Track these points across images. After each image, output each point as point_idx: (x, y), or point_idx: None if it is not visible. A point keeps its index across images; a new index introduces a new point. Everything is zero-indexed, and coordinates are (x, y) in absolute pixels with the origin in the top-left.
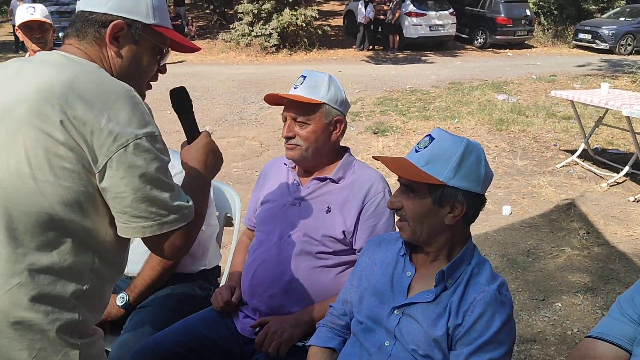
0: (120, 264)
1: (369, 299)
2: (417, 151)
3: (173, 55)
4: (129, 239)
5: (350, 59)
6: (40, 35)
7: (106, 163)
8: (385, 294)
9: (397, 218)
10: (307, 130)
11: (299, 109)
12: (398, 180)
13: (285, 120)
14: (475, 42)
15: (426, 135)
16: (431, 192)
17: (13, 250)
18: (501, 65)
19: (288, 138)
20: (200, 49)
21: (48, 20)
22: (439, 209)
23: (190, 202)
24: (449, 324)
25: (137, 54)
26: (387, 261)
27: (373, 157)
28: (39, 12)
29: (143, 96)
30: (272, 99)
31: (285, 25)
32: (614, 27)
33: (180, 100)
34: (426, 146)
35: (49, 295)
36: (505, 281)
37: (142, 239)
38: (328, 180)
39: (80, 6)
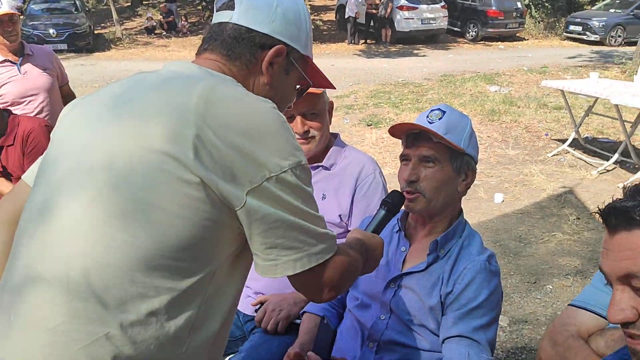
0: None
1: (365, 276)
2: (431, 123)
3: (164, 52)
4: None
5: (342, 53)
6: (11, 28)
7: (247, 195)
8: (381, 270)
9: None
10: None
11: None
12: (406, 155)
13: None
14: (467, 35)
15: (434, 109)
16: (452, 160)
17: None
18: (493, 57)
19: (305, 132)
20: (335, 88)
21: (17, 12)
22: (457, 176)
23: (333, 232)
24: (441, 292)
25: (286, 84)
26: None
27: (389, 130)
28: (6, 4)
29: None
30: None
31: None
32: (604, 18)
33: (397, 200)
34: (440, 118)
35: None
36: (494, 253)
37: (291, 279)
38: (321, 167)
39: (234, 18)
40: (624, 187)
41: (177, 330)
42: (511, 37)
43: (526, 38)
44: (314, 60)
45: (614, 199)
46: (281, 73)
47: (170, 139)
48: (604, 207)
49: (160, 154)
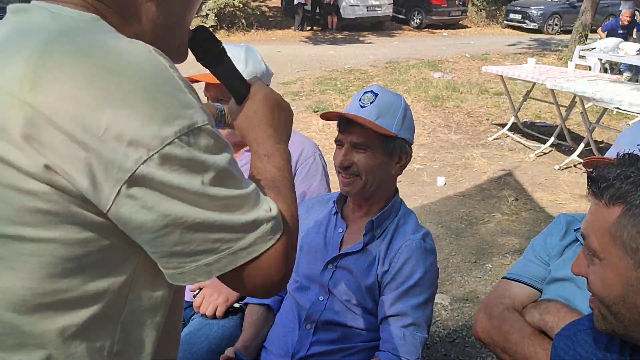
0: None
1: (304, 258)
2: (362, 107)
3: None
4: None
5: (289, 40)
6: None
7: (118, 193)
8: (319, 252)
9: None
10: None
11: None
12: (340, 140)
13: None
14: (412, 22)
15: (366, 92)
16: (384, 145)
17: None
18: (437, 44)
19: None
20: None
21: None
22: (390, 160)
23: (274, 206)
24: (378, 271)
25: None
26: (320, 221)
27: (321, 115)
28: None
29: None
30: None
31: (222, 6)
32: (542, 7)
33: (207, 45)
34: (372, 101)
35: None
36: (429, 231)
37: (220, 279)
38: None
39: None
40: (617, 155)
41: None
42: (454, 25)
43: (469, 26)
44: (262, 47)
45: (600, 167)
46: None
47: None
48: (592, 172)
49: None
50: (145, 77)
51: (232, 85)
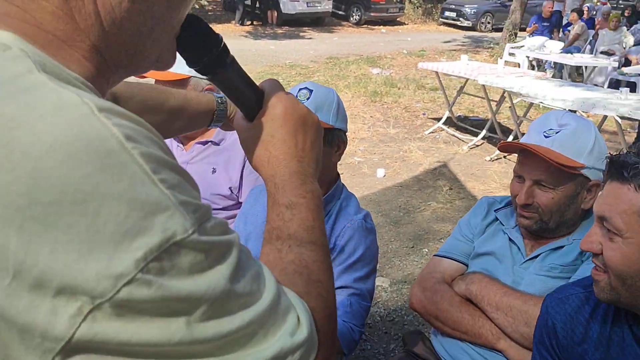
0: None
1: (254, 242)
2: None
3: None
4: None
5: (229, 34)
6: None
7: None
8: None
9: None
10: None
11: None
12: None
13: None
14: (351, 18)
15: (301, 89)
16: (325, 137)
17: None
18: (375, 41)
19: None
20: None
21: None
22: (330, 150)
23: (304, 317)
24: None
25: None
26: None
27: None
28: None
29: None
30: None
31: None
32: (475, 5)
33: (203, 42)
34: (308, 97)
35: None
36: (369, 212)
37: None
38: (210, 143)
39: None
40: (633, 144)
41: None
42: (392, 22)
43: (406, 23)
44: None
45: (623, 151)
46: None
47: None
48: (613, 156)
49: None
50: (77, 175)
51: (239, 96)
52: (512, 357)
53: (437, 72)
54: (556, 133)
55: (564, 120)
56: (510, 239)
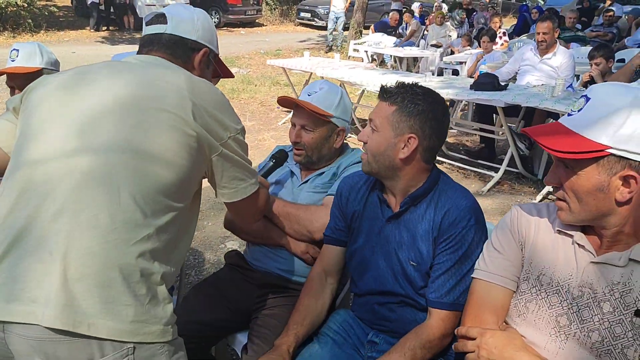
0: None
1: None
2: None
3: None
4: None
5: (84, 40)
6: None
7: (221, 145)
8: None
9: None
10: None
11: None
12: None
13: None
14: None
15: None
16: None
17: (142, 210)
18: (235, 42)
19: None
20: (234, 76)
21: None
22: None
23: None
24: None
25: (208, 76)
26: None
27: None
28: None
29: None
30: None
31: (3, 6)
32: (328, 6)
33: (282, 157)
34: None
35: (159, 250)
36: None
37: (231, 206)
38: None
39: (169, 30)
40: (397, 82)
41: (173, 237)
42: (251, 24)
43: (265, 24)
44: (54, 48)
45: (390, 87)
46: (204, 68)
47: (176, 105)
48: (382, 85)
49: (170, 114)
50: (226, 100)
51: (266, 173)
52: (291, 248)
53: (284, 68)
54: (315, 93)
55: (322, 85)
56: (291, 171)
